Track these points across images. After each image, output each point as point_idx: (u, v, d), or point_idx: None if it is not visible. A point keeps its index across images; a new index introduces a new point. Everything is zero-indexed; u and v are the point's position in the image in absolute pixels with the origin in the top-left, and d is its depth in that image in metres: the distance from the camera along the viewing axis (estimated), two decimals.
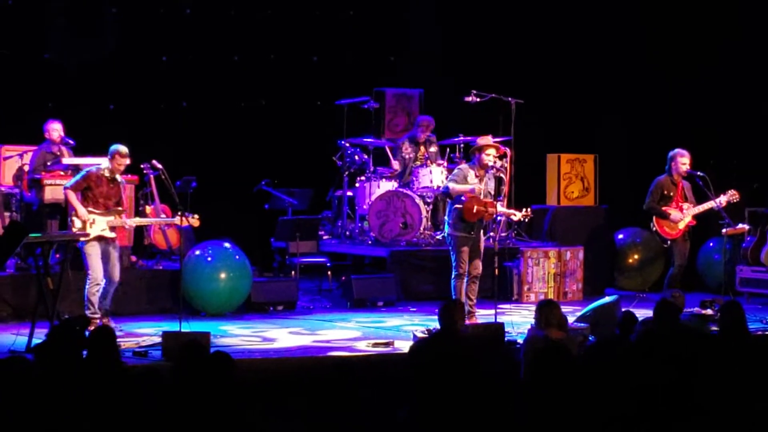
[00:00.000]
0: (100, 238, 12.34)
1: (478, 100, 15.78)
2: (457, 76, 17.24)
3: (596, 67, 17.58)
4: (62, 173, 13.92)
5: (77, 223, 12.33)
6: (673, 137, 17.09)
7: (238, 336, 12.63)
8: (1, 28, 16.05)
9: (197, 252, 14.06)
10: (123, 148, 12.43)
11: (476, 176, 12.92)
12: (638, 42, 17.54)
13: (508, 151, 15.52)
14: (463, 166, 13.17)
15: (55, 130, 14.26)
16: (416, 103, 17.59)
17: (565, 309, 11.41)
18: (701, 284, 16.17)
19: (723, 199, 13.87)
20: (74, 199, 12.35)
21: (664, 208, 13.94)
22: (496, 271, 13.01)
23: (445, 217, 13.19)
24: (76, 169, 13.91)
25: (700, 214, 14.05)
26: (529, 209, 13.27)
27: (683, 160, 13.97)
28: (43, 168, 14.05)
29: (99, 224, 12.33)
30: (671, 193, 14.01)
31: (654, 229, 14.07)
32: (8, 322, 12.82)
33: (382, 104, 17.39)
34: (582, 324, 12.02)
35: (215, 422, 6.85)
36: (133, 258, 14.29)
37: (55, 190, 13.90)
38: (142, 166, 13.82)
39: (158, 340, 11.52)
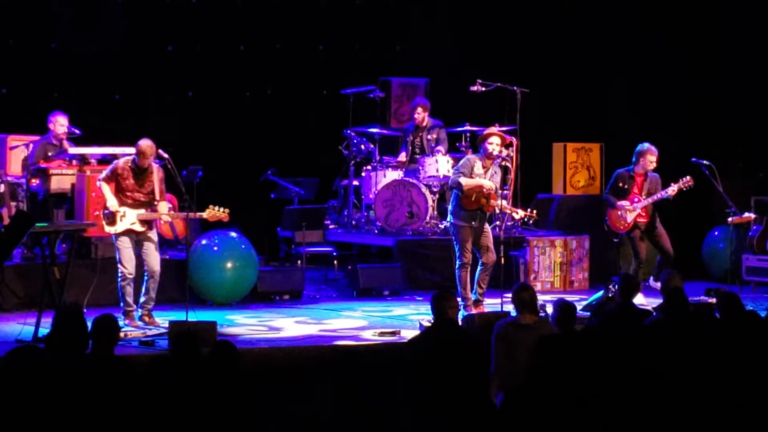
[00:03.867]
0: (129, 232, 12.24)
1: (484, 89, 15.77)
2: (463, 65, 17.22)
3: (602, 56, 17.55)
4: (67, 163, 13.94)
5: (108, 216, 12.19)
6: (678, 126, 17.11)
7: (245, 325, 12.66)
8: (8, 18, 16.05)
9: (204, 241, 14.08)
10: (144, 146, 12.18)
11: (483, 167, 12.91)
12: (644, 30, 17.52)
13: (513, 140, 15.53)
14: (471, 156, 13.17)
15: (61, 124, 14.25)
16: (422, 92, 17.58)
17: (571, 298, 11.46)
18: (706, 273, 16.16)
19: (674, 188, 13.81)
20: (106, 190, 12.25)
21: (616, 201, 13.99)
22: (503, 260, 13.02)
23: (448, 207, 13.21)
24: (81, 158, 13.94)
25: (658, 203, 13.98)
26: (534, 211, 13.20)
27: (651, 158, 13.94)
28: (44, 159, 14.05)
29: (129, 217, 12.20)
30: (626, 186, 14.02)
31: (606, 222, 14.13)
32: (15, 312, 12.85)
33: (388, 93, 17.38)
34: (587, 313, 12.03)
35: (221, 411, 6.87)
36: None
37: (61, 179, 13.92)
38: None
39: (165, 329, 11.56)
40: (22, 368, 6.68)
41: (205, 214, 12.44)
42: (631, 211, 13.98)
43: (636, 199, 14.00)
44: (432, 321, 9.39)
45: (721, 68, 17.15)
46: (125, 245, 12.21)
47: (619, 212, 14.02)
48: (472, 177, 12.83)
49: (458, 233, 12.88)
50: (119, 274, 12.26)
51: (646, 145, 14.06)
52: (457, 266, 12.91)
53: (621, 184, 14.08)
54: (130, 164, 12.27)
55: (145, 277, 12.36)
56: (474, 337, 9.52)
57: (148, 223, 12.29)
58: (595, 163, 16.64)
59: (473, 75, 15.91)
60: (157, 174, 12.35)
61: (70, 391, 6.78)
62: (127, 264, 12.21)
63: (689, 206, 16.02)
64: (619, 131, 17.35)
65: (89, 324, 7.59)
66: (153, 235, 12.37)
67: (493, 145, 12.93)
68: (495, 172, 13.04)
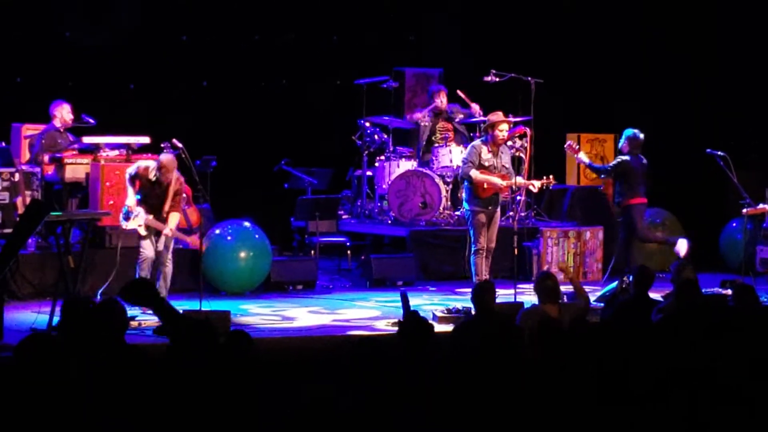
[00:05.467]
0: (135, 232, 12.51)
1: (498, 79, 15.76)
2: (477, 55, 17.20)
3: (616, 46, 17.52)
4: (81, 152, 13.98)
5: (125, 210, 12.46)
6: (692, 117, 17.08)
7: (258, 315, 12.68)
8: (21, 8, 16.07)
9: (217, 231, 14.09)
10: (166, 161, 12.40)
11: (489, 152, 12.94)
12: (658, 21, 17.48)
13: (527, 130, 15.52)
14: (476, 143, 13.17)
15: (68, 112, 14.29)
16: (436, 82, 17.54)
17: (585, 289, 11.44)
18: (723, 264, 16.13)
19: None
20: (130, 188, 12.47)
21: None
22: (516, 250, 13.02)
23: (462, 195, 13.23)
24: (96, 147, 13.95)
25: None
26: (551, 176, 13.33)
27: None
28: (51, 150, 14.05)
29: (138, 220, 12.41)
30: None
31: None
32: (29, 301, 12.89)
33: (402, 84, 17.36)
34: (601, 304, 12.02)
35: (235, 400, 6.88)
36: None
37: (75, 169, 13.95)
38: (162, 145, 13.83)
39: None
40: (35, 356, 6.68)
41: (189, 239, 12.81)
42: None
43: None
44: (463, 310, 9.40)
45: (736, 59, 17.10)
46: (144, 232, 12.47)
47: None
48: (481, 164, 12.88)
49: (473, 218, 12.91)
50: (139, 256, 12.49)
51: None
52: (472, 251, 12.94)
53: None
54: (155, 173, 12.39)
55: (158, 268, 12.57)
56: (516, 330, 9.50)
57: (152, 230, 12.47)
58: (609, 154, 16.61)
59: (487, 65, 15.90)
60: (173, 186, 12.47)
61: (83, 379, 6.79)
62: (147, 248, 12.46)
63: (704, 198, 16.00)
64: (633, 122, 17.30)
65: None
66: (170, 236, 12.56)
67: (503, 132, 13.00)
68: (503, 154, 13.07)
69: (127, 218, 12.41)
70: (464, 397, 7.06)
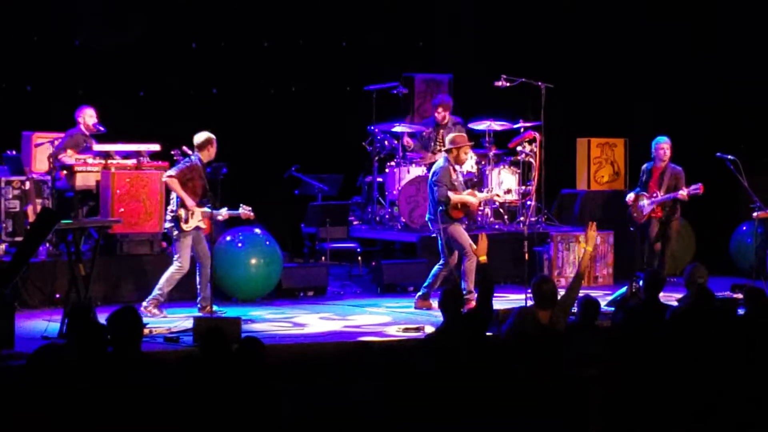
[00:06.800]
0: (197, 228, 12.66)
1: (508, 84, 15.75)
2: (487, 60, 17.19)
3: (626, 50, 17.50)
4: (92, 160, 13.97)
5: (183, 214, 12.62)
6: (703, 121, 17.05)
7: (269, 321, 12.68)
8: (31, 14, 16.10)
9: (228, 238, 14.10)
10: (213, 135, 12.78)
11: (453, 171, 13.25)
12: (668, 24, 17.45)
13: (537, 135, 15.52)
14: (445, 165, 13.25)
15: (90, 116, 14.30)
16: (445, 88, 17.55)
17: (595, 293, 11.46)
18: (734, 268, 16.10)
19: (685, 192, 14.40)
20: (179, 188, 12.62)
21: (636, 194, 14.74)
22: (526, 255, 13.02)
23: (428, 217, 13.41)
24: (106, 155, 13.96)
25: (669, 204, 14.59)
26: (499, 194, 13.97)
27: (661, 151, 14.70)
28: (74, 149, 14.06)
29: (197, 216, 12.63)
30: (645, 179, 14.78)
31: (629, 211, 14.81)
32: (40, 309, 12.88)
33: (411, 90, 17.35)
34: (611, 309, 11.99)
35: (248, 407, 6.88)
36: (164, 244, 14.32)
37: (86, 176, 13.94)
38: (172, 152, 13.81)
39: (190, 325, 11.58)
40: (47, 367, 6.68)
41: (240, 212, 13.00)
42: (647, 206, 14.64)
43: (654, 195, 14.57)
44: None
45: (748, 64, 17.06)
46: (188, 242, 12.67)
47: (639, 203, 14.61)
48: (452, 184, 13.15)
49: (455, 231, 12.98)
50: (177, 267, 12.70)
51: (658, 138, 14.77)
52: (464, 262, 13.03)
53: (644, 178, 14.80)
54: (200, 163, 12.74)
55: (198, 272, 12.79)
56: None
57: (210, 221, 12.72)
58: (619, 159, 16.60)
59: (497, 70, 15.90)
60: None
61: (96, 391, 6.78)
62: (186, 260, 12.70)
63: (715, 201, 15.96)
64: (644, 126, 17.29)
65: (105, 319, 7.54)
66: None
67: (467, 154, 13.69)
68: (459, 173, 13.50)
69: (186, 219, 12.58)
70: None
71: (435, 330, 9.94)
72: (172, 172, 12.73)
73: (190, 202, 12.55)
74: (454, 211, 13.12)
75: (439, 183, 13.12)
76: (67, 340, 7.67)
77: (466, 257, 12.97)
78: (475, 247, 12.49)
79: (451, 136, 13.49)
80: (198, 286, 12.79)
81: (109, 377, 6.95)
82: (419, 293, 13.42)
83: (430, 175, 13.47)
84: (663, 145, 14.69)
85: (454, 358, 7.66)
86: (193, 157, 12.79)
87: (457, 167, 13.37)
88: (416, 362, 7.79)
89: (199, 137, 12.87)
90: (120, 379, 6.96)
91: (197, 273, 12.82)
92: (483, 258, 10.53)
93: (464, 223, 13.40)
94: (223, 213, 12.80)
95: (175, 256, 12.74)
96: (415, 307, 13.39)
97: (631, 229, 14.85)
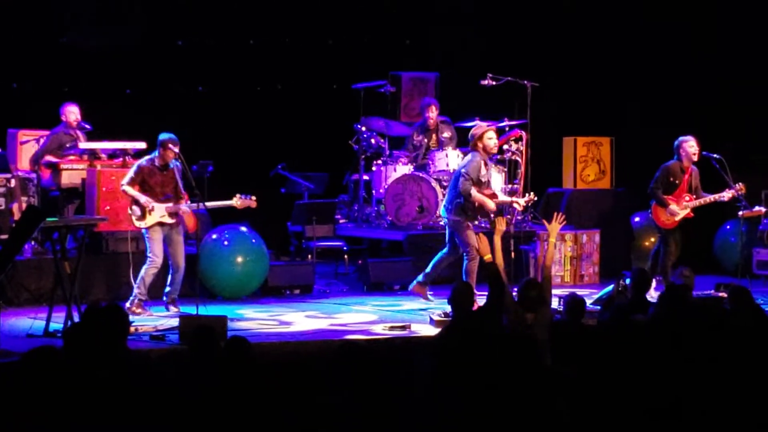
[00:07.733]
0: (161, 224, 12.67)
1: (494, 83, 15.76)
2: (473, 59, 17.21)
3: (612, 49, 17.52)
4: (77, 157, 13.97)
5: (137, 211, 12.65)
6: (689, 119, 17.06)
7: (255, 320, 12.68)
8: (18, 12, 16.06)
9: (214, 236, 14.09)
10: (173, 137, 12.67)
11: (485, 165, 12.84)
12: (655, 23, 17.48)
13: (523, 133, 15.53)
14: (477, 158, 12.94)
15: (72, 113, 14.30)
16: (432, 86, 17.56)
17: (581, 292, 11.48)
18: (718, 267, 16.14)
19: (728, 194, 13.87)
20: (133, 191, 12.64)
21: (666, 197, 13.89)
22: (513, 254, 13.03)
23: (445, 204, 13.10)
24: (92, 153, 13.96)
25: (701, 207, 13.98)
26: (531, 193, 13.34)
27: (691, 144, 13.90)
28: (59, 149, 14.08)
29: (158, 211, 12.63)
30: (677, 181, 13.96)
31: (650, 215, 14.10)
32: (26, 306, 12.86)
33: (398, 88, 17.36)
34: (597, 307, 12.03)
35: (235, 406, 6.87)
36: None
37: (72, 174, 13.94)
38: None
39: (175, 323, 11.57)
40: (39, 368, 6.68)
41: (234, 202, 12.95)
42: (683, 209, 13.91)
43: (687, 198, 13.91)
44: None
45: (736, 62, 17.10)
46: (156, 237, 12.66)
47: (671, 207, 13.88)
48: (479, 180, 12.74)
49: (463, 229, 12.79)
50: (149, 262, 12.69)
51: (686, 136, 14.02)
52: (466, 262, 12.86)
53: (672, 179, 13.99)
54: (153, 163, 12.69)
55: (170, 271, 12.77)
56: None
57: (176, 215, 12.68)
58: (605, 157, 16.61)
59: (483, 69, 15.90)
60: (176, 169, 12.78)
61: (88, 389, 6.77)
62: (158, 254, 12.68)
63: None
64: (630, 125, 17.33)
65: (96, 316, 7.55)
66: (179, 230, 12.80)
67: (493, 139, 12.90)
68: (491, 165, 13.11)
69: (142, 217, 12.62)
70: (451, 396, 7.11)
71: (444, 327, 9.95)
72: (124, 181, 12.78)
73: (143, 199, 12.58)
74: (471, 209, 12.81)
75: (467, 176, 12.78)
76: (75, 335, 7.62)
77: (468, 258, 12.86)
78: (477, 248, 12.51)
79: (470, 132, 13.23)
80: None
81: (98, 374, 6.96)
82: (418, 278, 13.30)
83: (459, 166, 13.28)
84: (694, 143, 13.91)
85: (461, 355, 7.69)
86: (143, 161, 12.78)
87: (489, 163, 13.03)
88: (417, 362, 7.81)
89: (160, 137, 12.79)
90: (108, 376, 6.96)
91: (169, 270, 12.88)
92: (488, 257, 10.51)
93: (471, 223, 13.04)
94: (183, 208, 12.72)
95: (147, 252, 12.77)
96: (410, 290, 13.34)
97: (659, 234, 14.26)
